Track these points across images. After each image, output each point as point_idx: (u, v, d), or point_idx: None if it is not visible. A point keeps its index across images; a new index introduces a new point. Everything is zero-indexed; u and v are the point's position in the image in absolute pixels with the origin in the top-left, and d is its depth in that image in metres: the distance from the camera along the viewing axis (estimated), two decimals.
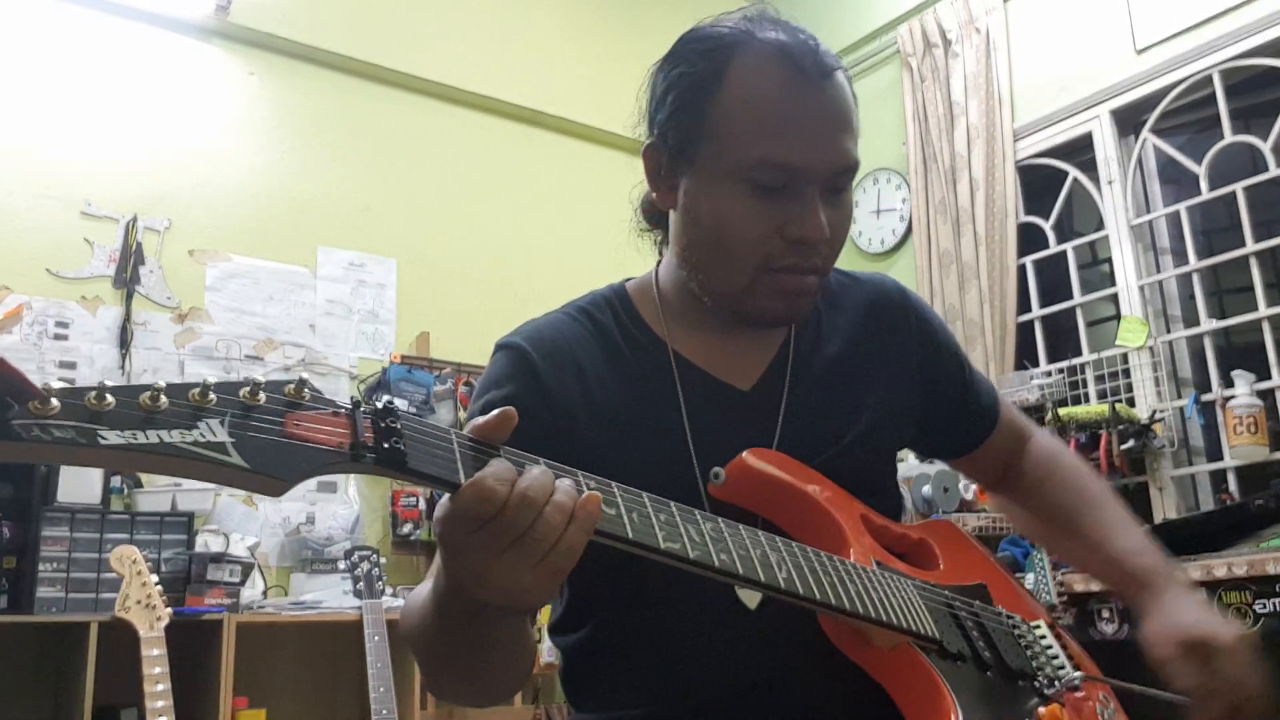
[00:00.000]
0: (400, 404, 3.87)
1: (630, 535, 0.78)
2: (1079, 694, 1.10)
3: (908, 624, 0.97)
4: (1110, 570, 1.25)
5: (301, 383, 0.65)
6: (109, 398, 0.57)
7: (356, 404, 0.67)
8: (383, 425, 0.67)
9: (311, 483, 3.66)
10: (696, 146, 1.08)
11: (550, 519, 0.73)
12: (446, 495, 0.73)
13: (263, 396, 0.62)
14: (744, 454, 1.04)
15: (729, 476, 1.04)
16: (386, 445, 0.66)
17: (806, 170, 1.05)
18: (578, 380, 1.11)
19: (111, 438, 0.56)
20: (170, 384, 0.59)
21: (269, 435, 0.62)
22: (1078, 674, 1.11)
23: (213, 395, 0.60)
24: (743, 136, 1.05)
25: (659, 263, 1.25)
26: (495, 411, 0.76)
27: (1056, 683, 1.08)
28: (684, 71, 1.09)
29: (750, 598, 1.03)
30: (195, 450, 0.58)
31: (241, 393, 0.62)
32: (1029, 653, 1.11)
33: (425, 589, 0.93)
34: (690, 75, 1.09)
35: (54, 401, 0.55)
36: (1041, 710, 1.04)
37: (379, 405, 0.68)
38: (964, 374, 1.31)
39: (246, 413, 0.62)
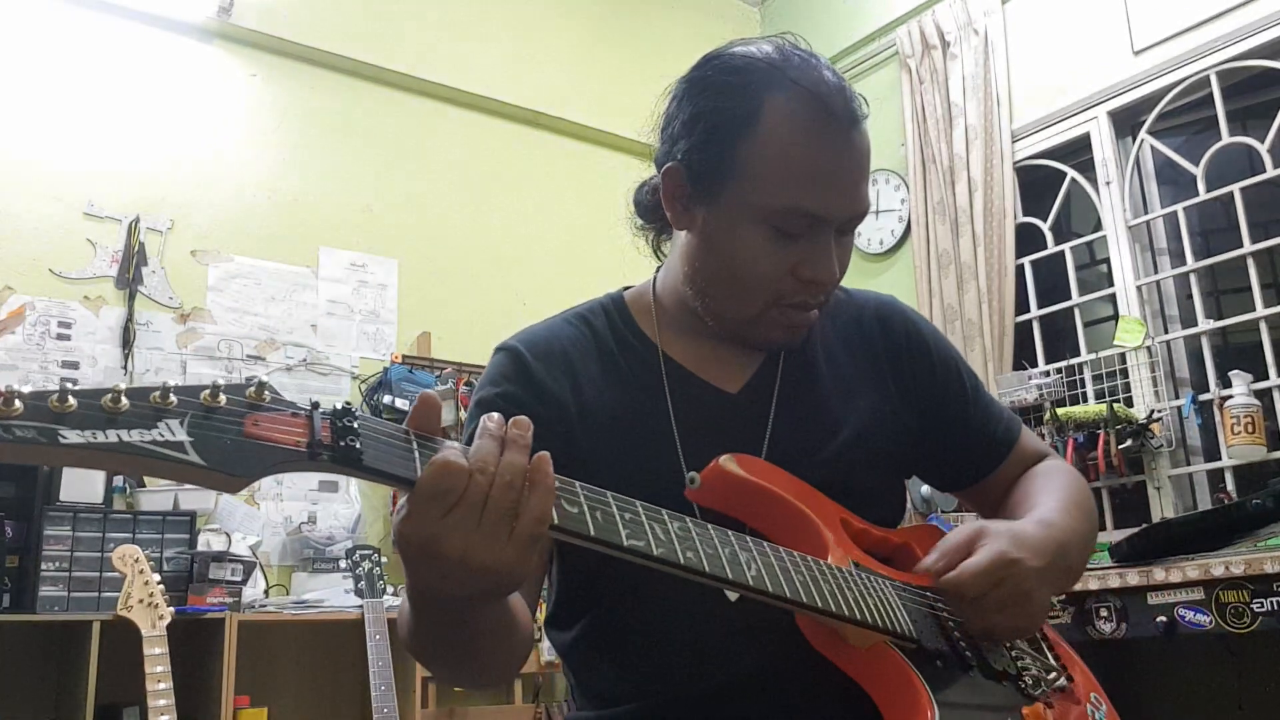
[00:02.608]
0: (401, 404, 3.84)
1: (592, 532, 0.79)
2: (1068, 694, 1.10)
3: (883, 622, 0.97)
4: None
5: (261, 385, 0.67)
6: (71, 400, 0.60)
7: (315, 405, 0.70)
8: (340, 425, 0.69)
9: (313, 482, 3.70)
10: (722, 182, 1.09)
11: (508, 479, 0.75)
12: (405, 497, 0.74)
13: (223, 399, 0.65)
14: (719, 459, 1.04)
15: (704, 481, 1.04)
16: (343, 444, 0.69)
17: (829, 218, 1.08)
18: (570, 381, 1.14)
19: (72, 437, 0.59)
20: (131, 387, 0.62)
21: (227, 435, 0.64)
22: (1065, 674, 1.11)
23: (173, 397, 0.63)
24: (772, 182, 1.07)
25: (658, 269, 1.28)
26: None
27: (1042, 683, 1.07)
28: (717, 105, 1.10)
29: (732, 591, 1.04)
30: (153, 449, 0.61)
31: (202, 395, 0.64)
32: (1013, 653, 1.10)
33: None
34: (723, 110, 1.09)
35: (17, 403, 0.58)
36: (1025, 710, 1.03)
37: (337, 407, 0.70)
38: (967, 393, 1.28)
39: (207, 414, 0.64)
